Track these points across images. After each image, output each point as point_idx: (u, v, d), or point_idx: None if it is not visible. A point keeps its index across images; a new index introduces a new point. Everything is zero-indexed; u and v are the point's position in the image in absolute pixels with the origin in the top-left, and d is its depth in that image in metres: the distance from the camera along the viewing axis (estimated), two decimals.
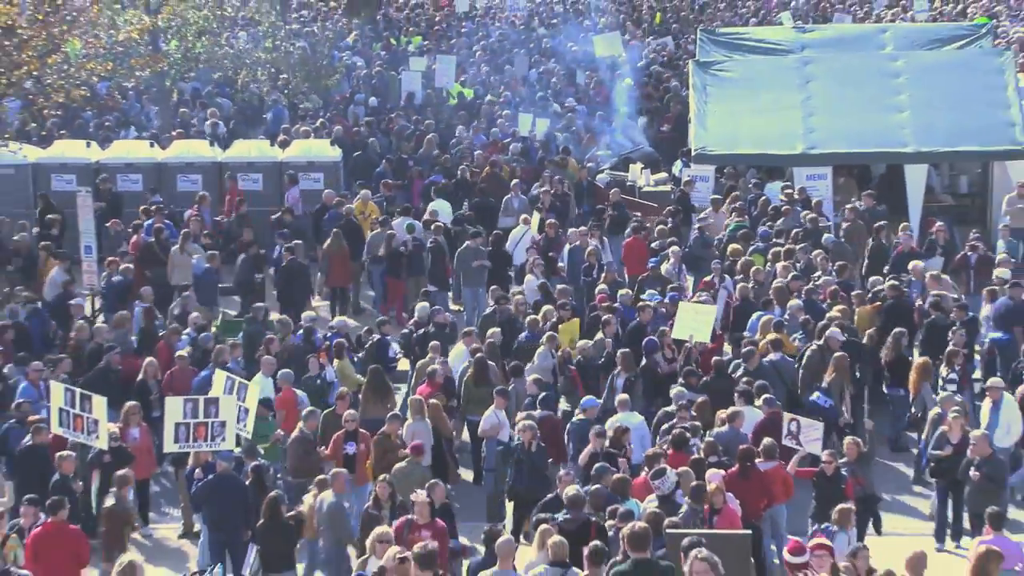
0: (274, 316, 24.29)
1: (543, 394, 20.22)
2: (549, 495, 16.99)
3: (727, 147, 31.07)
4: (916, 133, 30.29)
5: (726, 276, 24.92)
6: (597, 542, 14.49)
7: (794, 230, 26.91)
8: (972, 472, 18.02)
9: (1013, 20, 47.45)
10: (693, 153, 31.36)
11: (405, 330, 23.94)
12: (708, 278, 25.00)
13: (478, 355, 21.47)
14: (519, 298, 24.29)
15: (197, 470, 18.25)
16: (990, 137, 30.24)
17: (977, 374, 22.68)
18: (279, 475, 19.17)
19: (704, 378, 20.90)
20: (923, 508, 19.74)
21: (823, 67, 32.72)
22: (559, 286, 24.96)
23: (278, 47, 39.59)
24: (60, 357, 21.85)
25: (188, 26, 38.44)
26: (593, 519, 15.83)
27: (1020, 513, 19.56)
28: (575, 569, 14.36)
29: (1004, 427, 19.67)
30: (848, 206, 28.48)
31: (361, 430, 19.25)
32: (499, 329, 22.75)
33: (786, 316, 22.77)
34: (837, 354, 21.12)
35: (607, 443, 18.51)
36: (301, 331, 23.33)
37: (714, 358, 21.34)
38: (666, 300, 23.78)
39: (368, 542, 15.05)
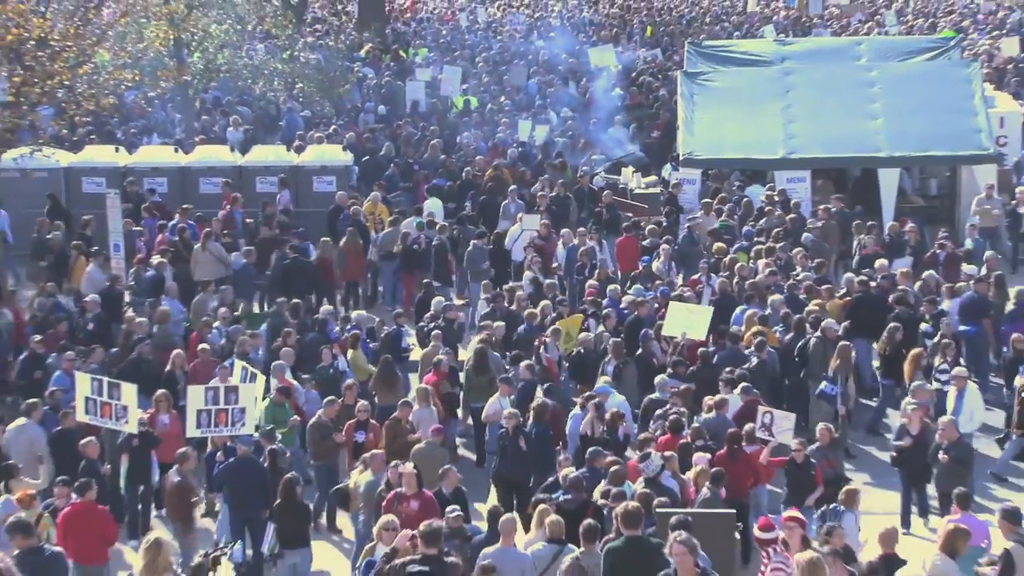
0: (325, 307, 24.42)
1: (547, 384, 20.27)
2: (550, 479, 16.95)
3: (713, 152, 31.08)
4: (889, 139, 30.30)
5: (712, 275, 24.93)
6: (591, 520, 14.53)
7: (775, 229, 26.93)
8: (941, 455, 18.03)
9: (980, 33, 47.49)
10: (681, 158, 31.36)
11: (420, 323, 23.90)
12: (695, 276, 25.02)
13: (479, 346, 21.50)
14: (520, 294, 24.29)
15: (218, 453, 18.30)
16: (958, 143, 30.24)
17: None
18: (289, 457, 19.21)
19: (691, 368, 20.94)
20: (897, 488, 19.64)
21: (802, 77, 32.72)
22: (547, 281, 24.98)
23: (294, 59, 39.62)
24: (92, 348, 21.86)
25: (210, 39, 38.44)
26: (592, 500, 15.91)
27: (987, 494, 19.59)
28: (571, 546, 14.39)
29: (967, 414, 19.67)
30: (820, 207, 28.52)
31: (372, 420, 19.23)
32: (503, 323, 22.74)
33: (768, 311, 22.78)
34: (841, 344, 21.15)
35: (604, 428, 18.60)
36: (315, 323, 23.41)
37: (700, 349, 21.37)
38: (657, 295, 23.82)
39: (375, 529, 15.03)
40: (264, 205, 29.54)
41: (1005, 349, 22.54)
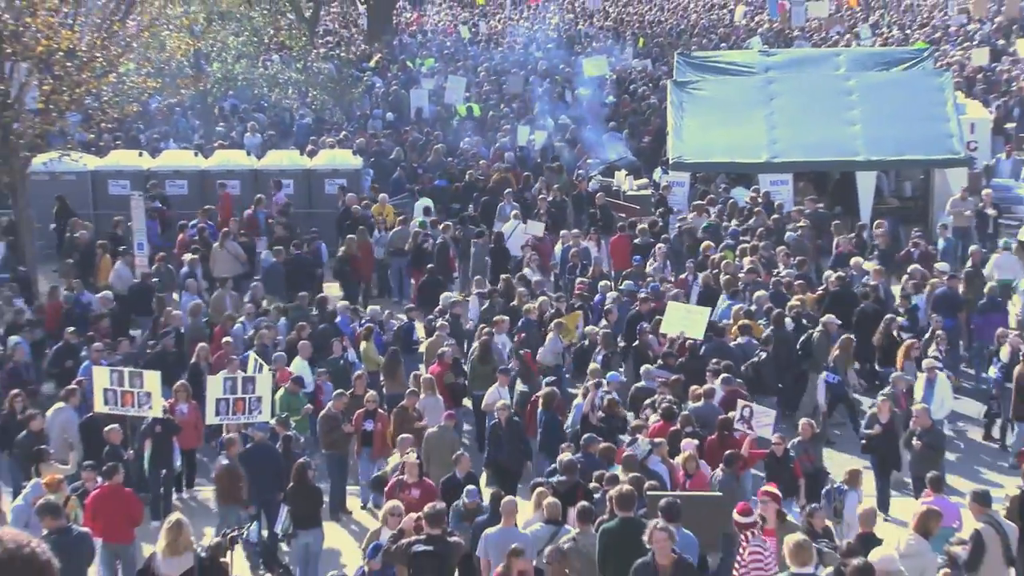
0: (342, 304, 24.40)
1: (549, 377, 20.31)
2: (552, 465, 16.95)
3: (701, 156, 31.09)
4: (867, 144, 30.30)
5: (698, 273, 24.90)
6: (585, 503, 14.53)
7: (759, 229, 26.93)
8: (914, 441, 18.03)
9: (952, 45, 47.50)
10: (671, 161, 31.35)
11: (428, 316, 23.90)
12: (683, 275, 24.97)
13: (483, 338, 21.50)
14: (521, 290, 24.26)
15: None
16: (931, 147, 30.26)
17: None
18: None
19: (679, 359, 20.94)
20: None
21: (785, 86, 32.72)
22: (535, 278, 25.02)
23: (307, 68, 39.63)
24: (119, 340, 21.84)
25: (228, 50, 38.46)
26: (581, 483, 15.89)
27: (958, 478, 19.58)
28: (568, 526, 14.39)
29: (938, 402, 19.69)
30: (795, 209, 28.53)
31: (380, 410, 19.21)
32: (508, 318, 22.72)
33: (753, 306, 22.77)
34: (844, 336, 21.18)
35: (601, 413, 18.62)
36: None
37: (688, 341, 21.39)
38: (648, 291, 23.83)
39: (381, 514, 15.02)
40: (286, 206, 29.56)
41: (975, 343, 22.57)
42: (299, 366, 20.90)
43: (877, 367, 22.42)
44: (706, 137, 31.35)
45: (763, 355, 21.00)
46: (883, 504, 18.33)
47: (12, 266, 26.34)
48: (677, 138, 31.52)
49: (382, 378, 21.43)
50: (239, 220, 28.55)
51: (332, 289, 26.62)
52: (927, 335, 21.67)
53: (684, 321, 21.57)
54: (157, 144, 35.38)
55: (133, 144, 34.76)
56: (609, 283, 24.84)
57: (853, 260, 25.05)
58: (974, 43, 47.05)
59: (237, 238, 27.23)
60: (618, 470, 15.97)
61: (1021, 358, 20.32)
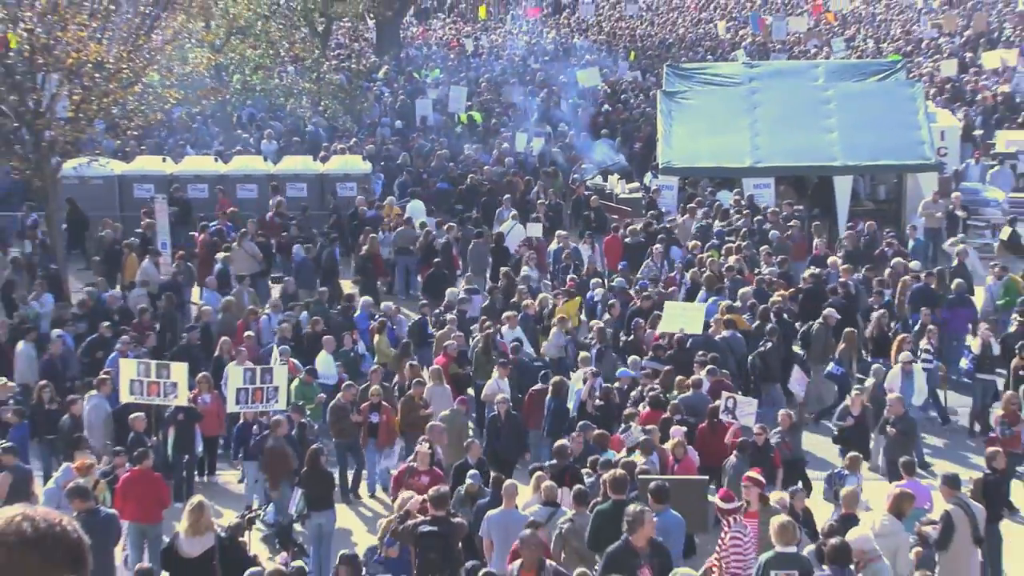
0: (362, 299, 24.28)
1: (544, 371, 20.28)
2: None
3: (689, 161, 31.08)
4: (843, 150, 30.29)
5: (685, 273, 24.85)
6: (580, 486, 14.54)
7: (743, 230, 26.91)
8: (888, 428, 18.03)
9: (924, 57, 47.48)
10: (660, 166, 31.35)
11: (436, 310, 23.88)
12: (672, 275, 24.92)
13: (487, 331, 21.47)
14: (521, 287, 24.25)
15: (254, 427, 18.29)
16: (904, 153, 30.28)
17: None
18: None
19: (668, 351, 20.92)
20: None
21: (767, 96, 32.70)
22: (533, 275, 25.01)
23: (320, 79, 39.57)
24: (147, 333, 21.87)
25: (246, 62, 38.44)
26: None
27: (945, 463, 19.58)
28: (564, 508, 14.39)
29: (918, 392, 19.76)
30: (770, 211, 28.54)
31: (384, 402, 19.12)
32: (514, 313, 22.65)
33: (737, 302, 22.76)
34: (847, 329, 21.19)
35: (599, 400, 18.62)
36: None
37: (676, 335, 21.36)
38: (638, 288, 23.82)
39: (397, 503, 14.96)
40: (303, 210, 29.56)
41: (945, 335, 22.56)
42: (324, 359, 20.89)
43: (869, 358, 22.40)
44: (693, 143, 31.34)
45: (769, 345, 20.95)
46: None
47: (44, 264, 26.33)
48: (666, 144, 31.52)
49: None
50: (256, 221, 28.51)
51: (345, 285, 26.56)
52: (917, 328, 21.60)
53: (682, 318, 21.48)
54: (179, 150, 35.33)
55: (157, 150, 34.72)
56: (600, 280, 24.77)
57: (830, 260, 25.05)
58: (944, 55, 47.02)
59: (255, 238, 27.21)
60: (612, 455, 15.98)
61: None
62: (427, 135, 38.06)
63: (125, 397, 18.37)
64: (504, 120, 39.89)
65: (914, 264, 25.00)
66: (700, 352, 20.24)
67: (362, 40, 56.85)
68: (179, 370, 18.32)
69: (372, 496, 19.30)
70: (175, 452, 18.86)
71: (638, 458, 15.76)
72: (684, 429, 17.03)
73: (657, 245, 26.17)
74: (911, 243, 27.25)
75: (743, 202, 29.15)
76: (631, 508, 12.01)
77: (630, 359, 20.31)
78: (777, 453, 17.16)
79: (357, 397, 19.17)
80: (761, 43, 51.65)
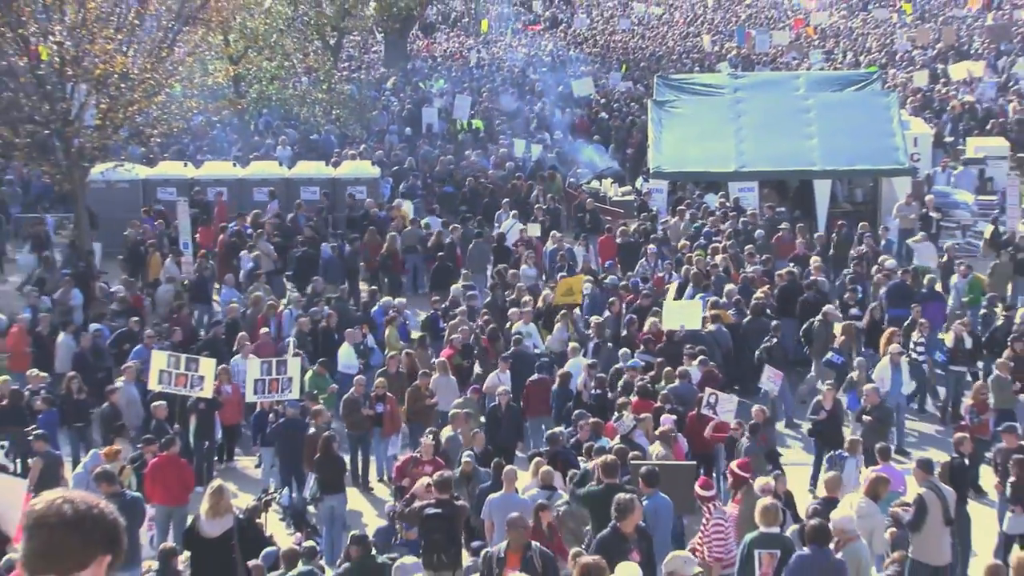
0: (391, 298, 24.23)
1: (542, 361, 20.24)
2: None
3: (677, 166, 31.05)
4: (823, 155, 30.26)
5: (673, 272, 24.81)
6: (575, 470, 14.56)
7: (729, 230, 26.88)
8: (864, 417, 18.02)
9: (898, 69, 47.46)
10: (651, 171, 31.34)
11: (444, 305, 23.85)
12: (660, 274, 24.85)
13: (491, 326, 21.45)
14: (520, 286, 24.23)
15: (270, 415, 18.29)
16: (879, 158, 30.25)
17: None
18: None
19: (658, 345, 20.90)
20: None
21: (751, 104, 32.65)
22: (511, 272, 24.97)
23: (332, 89, 39.55)
24: (174, 328, 21.87)
25: (263, 73, 38.41)
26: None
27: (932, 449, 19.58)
28: (560, 491, 14.39)
29: (906, 383, 19.80)
30: (750, 212, 28.50)
31: (388, 393, 19.04)
32: (528, 310, 22.49)
33: (723, 299, 22.74)
34: (846, 322, 21.20)
35: (594, 387, 18.62)
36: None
37: (666, 328, 21.35)
38: (629, 285, 23.80)
39: (416, 488, 14.94)
40: (320, 211, 29.52)
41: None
42: (345, 351, 20.87)
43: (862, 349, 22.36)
44: (682, 149, 31.30)
45: (775, 339, 20.91)
46: (815, 481, 17.96)
47: (73, 263, 26.35)
48: (656, 150, 31.49)
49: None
50: (272, 222, 28.49)
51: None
52: (907, 322, 21.53)
53: (682, 315, 21.35)
54: (200, 156, 35.31)
55: (179, 156, 34.69)
56: (594, 278, 24.71)
57: (813, 260, 25.06)
58: (917, 67, 47.01)
59: (271, 239, 27.20)
60: (605, 442, 15.98)
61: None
62: (432, 142, 38.04)
63: (153, 385, 18.38)
64: (503, 128, 39.87)
65: (889, 263, 24.98)
66: (688, 345, 20.26)
67: (371, 53, 56.81)
68: (207, 365, 18.33)
69: (380, 481, 19.29)
70: (196, 439, 18.85)
71: (657, 448, 15.73)
72: (674, 418, 17.02)
73: (651, 246, 26.18)
74: (883, 243, 27.27)
75: (728, 204, 29.14)
76: (621, 496, 11.99)
77: (620, 351, 20.27)
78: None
79: (367, 390, 19.16)
80: (745, 55, 51.60)
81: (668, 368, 19.27)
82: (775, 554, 11.83)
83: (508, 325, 21.87)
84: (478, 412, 18.47)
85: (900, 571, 13.09)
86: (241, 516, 13.84)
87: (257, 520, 14.29)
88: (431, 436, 16.36)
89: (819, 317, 21.54)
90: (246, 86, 38.33)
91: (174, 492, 15.92)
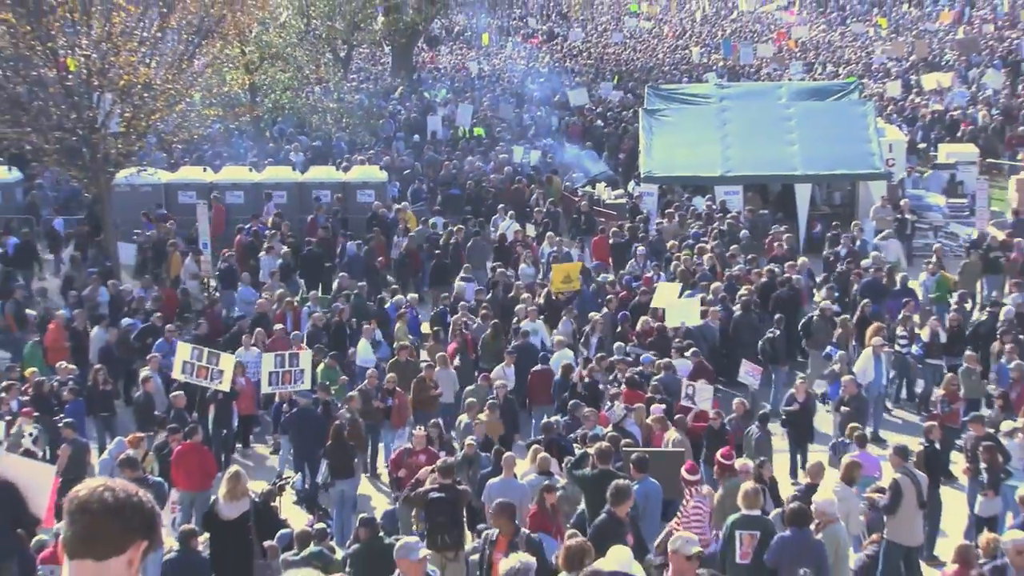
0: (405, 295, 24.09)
1: (542, 353, 20.22)
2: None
3: (667, 171, 31.04)
4: (803, 161, 30.28)
5: (661, 273, 24.75)
6: (570, 457, 14.54)
7: (716, 231, 26.85)
8: (841, 408, 18.01)
9: (875, 80, 47.45)
10: (642, 175, 31.33)
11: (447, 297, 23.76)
12: (649, 275, 24.81)
13: (493, 321, 21.42)
14: (519, 284, 24.20)
15: (284, 405, 18.27)
16: (857, 164, 30.27)
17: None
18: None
19: (649, 338, 20.89)
20: (826, 428, 19.35)
21: (736, 113, 32.64)
22: (499, 269, 24.92)
23: (342, 99, 39.52)
24: (199, 322, 21.84)
25: (277, 84, 38.36)
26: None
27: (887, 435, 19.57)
28: (556, 476, 14.38)
29: (886, 374, 19.83)
30: (731, 214, 28.45)
31: (398, 388, 18.97)
32: (534, 308, 22.43)
33: (710, 295, 22.71)
34: (842, 316, 21.22)
35: (587, 377, 18.63)
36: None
37: (657, 323, 21.33)
38: (623, 283, 23.77)
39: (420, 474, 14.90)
40: (335, 213, 29.50)
41: (891, 323, 22.55)
42: (364, 347, 20.82)
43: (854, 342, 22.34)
44: (671, 155, 31.29)
45: (777, 332, 20.89)
46: (794, 471, 18.00)
47: (100, 262, 26.34)
48: (647, 156, 31.48)
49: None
50: (288, 223, 28.51)
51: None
52: (901, 316, 21.48)
53: (682, 312, 21.27)
54: (218, 161, 35.28)
55: (198, 161, 34.67)
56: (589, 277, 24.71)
57: (800, 260, 25.07)
58: (891, 78, 47.01)
59: (285, 240, 27.18)
60: (599, 431, 15.96)
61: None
62: (436, 148, 38.01)
63: (177, 375, 18.37)
64: (502, 134, 39.85)
65: (865, 262, 24.97)
66: (676, 339, 20.24)
67: (379, 65, 56.77)
68: (228, 360, 18.30)
69: (387, 466, 19.25)
70: (215, 428, 18.84)
71: (673, 434, 15.74)
72: (663, 407, 17.01)
73: (640, 247, 26.16)
74: (858, 243, 27.25)
75: (715, 207, 29.13)
76: (617, 483, 11.99)
77: (615, 345, 20.25)
78: (732, 436, 16.96)
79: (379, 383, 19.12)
80: (731, 67, 51.56)
81: (660, 361, 19.25)
82: (755, 535, 11.83)
83: (516, 321, 21.77)
84: (487, 395, 18.41)
85: (876, 552, 13.09)
86: (257, 499, 13.83)
87: (272, 503, 14.28)
88: (421, 428, 16.32)
89: (817, 312, 21.56)
90: (262, 96, 38.27)
91: (196, 478, 15.92)
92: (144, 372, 19.20)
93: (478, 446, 15.91)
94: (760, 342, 20.75)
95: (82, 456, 16.35)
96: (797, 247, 27.21)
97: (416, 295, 24.64)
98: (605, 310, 22.30)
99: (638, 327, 21.37)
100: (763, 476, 14.10)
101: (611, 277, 24.76)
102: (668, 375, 18.66)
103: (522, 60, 57.52)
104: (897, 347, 20.77)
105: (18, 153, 28.12)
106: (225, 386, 18.26)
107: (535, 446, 15.34)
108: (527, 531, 12.10)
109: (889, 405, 20.97)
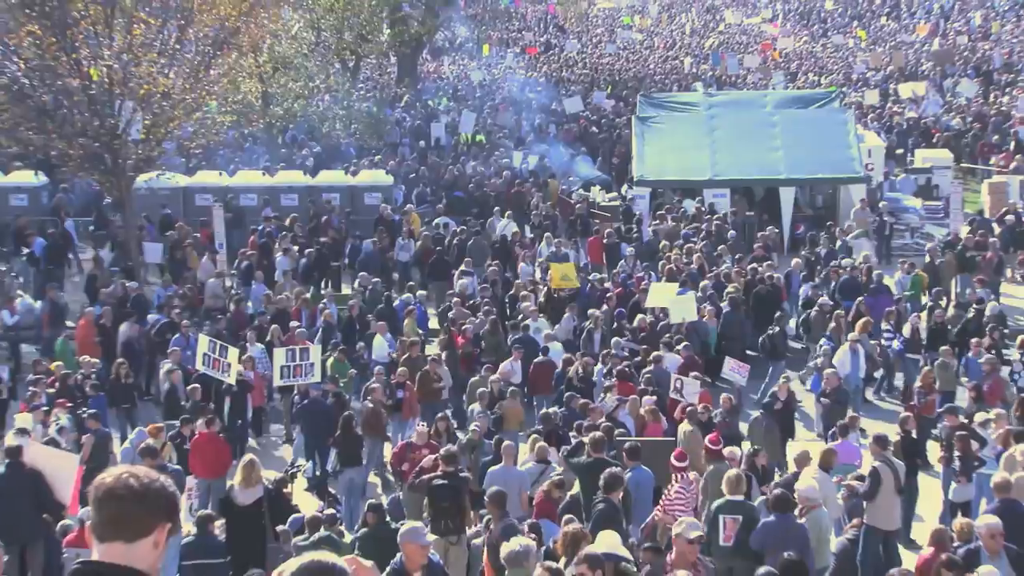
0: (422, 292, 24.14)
1: (544, 346, 20.21)
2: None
3: (658, 175, 31.07)
4: (787, 165, 30.31)
5: (651, 273, 24.69)
6: (567, 447, 14.54)
7: (704, 231, 26.83)
8: (823, 400, 18.00)
9: (855, 89, 47.45)
10: (635, 179, 31.33)
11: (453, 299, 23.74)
12: (639, 275, 24.71)
13: (492, 316, 21.40)
14: (519, 282, 24.17)
15: (296, 396, 18.26)
16: (838, 168, 30.32)
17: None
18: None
19: (643, 333, 20.88)
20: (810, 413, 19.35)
21: (724, 120, 32.67)
22: (491, 267, 24.73)
23: (350, 106, 39.48)
24: (220, 318, 21.84)
25: (289, 92, 38.32)
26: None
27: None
28: (554, 464, 14.38)
29: (862, 368, 19.77)
30: (722, 213, 28.40)
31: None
32: (535, 308, 22.36)
33: (698, 293, 22.68)
34: (837, 311, 21.25)
35: (582, 372, 18.63)
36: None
37: (649, 319, 21.30)
38: (617, 281, 23.76)
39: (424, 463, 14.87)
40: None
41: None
42: (379, 342, 20.77)
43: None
44: (662, 160, 31.32)
45: (777, 329, 20.86)
46: (782, 464, 18.02)
47: (121, 263, 26.32)
48: (639, 161, 31.51)
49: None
50: (301, 224, 28.48)
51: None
52: (887, 312, 21.43)
53: (682, 310, 21.18)
54: (233, 166, 35.24)
55: (214, 165, 34.63)
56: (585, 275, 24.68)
57: (795, 260, 25.03)
58: (870, 87, 47.00)
59: (295, 240, 27.16)
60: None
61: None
62: (440, 153, 37.99)
63: (199, 366, 18.37)
64: (502, 140, 39.83)
65: (846, 261, 24.97)
66: (667, 335, 20.23)
67: (386, 74, 56.70)
68: (233, 353, 18.31)
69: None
70: (230, 418, 18.81)
71: (685, 426, 15.77)
72: (655, 398, 16.99)
73: (630, 248, 26.15)
74: (838, 243, 27.28)
75: (704, 209, 29.13)
76: (610, 470, 11.98)
77: (612, 340, 20.23)
78: (718, 428, 16.98)
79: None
80: (718, 76, 51.53)
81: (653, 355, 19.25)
82: (738, 519, 11.84)
83: (521, 318, 21.72)
84: (488, 384, 18.36)
85: (856, 536, 13.10)
86: (270, 486, 13.82)
87: (285, 490, 14.27)
88: (445, 421, 16.30)
89: (815, 309, 21.58)
90: (274, 104, 38.23)
91: (213, 467, 15.91)
92: (167, 365, 19.17)
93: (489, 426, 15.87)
94: (761, 338, 20.75)
95: (105, 446, 16.34)
96: (781, 247, 27.19)
97: (424, 292, 24.60)
98: (605, 307, 22.27)
99: (635, 323, 21.35)
100: (756, 464, 14.10)
101: (600, 276, 24.72)
102: (657, 368, 18.64)
103: (521, 70, 57.45)
104: (883, 341, 20.75)
105: (44, 159, 28.09)
106: (231, 379, 18.24)
107: (534, 436, 15.34)
108: (512, 520, 11.92)
109: (871, 396, 20.96)
